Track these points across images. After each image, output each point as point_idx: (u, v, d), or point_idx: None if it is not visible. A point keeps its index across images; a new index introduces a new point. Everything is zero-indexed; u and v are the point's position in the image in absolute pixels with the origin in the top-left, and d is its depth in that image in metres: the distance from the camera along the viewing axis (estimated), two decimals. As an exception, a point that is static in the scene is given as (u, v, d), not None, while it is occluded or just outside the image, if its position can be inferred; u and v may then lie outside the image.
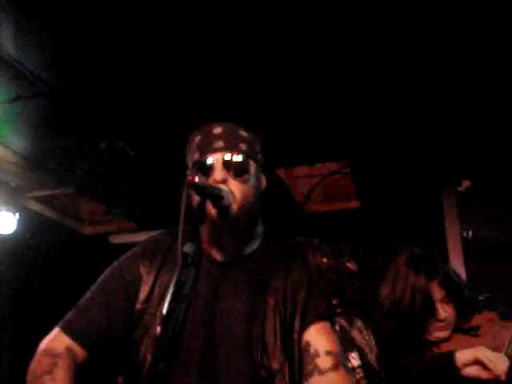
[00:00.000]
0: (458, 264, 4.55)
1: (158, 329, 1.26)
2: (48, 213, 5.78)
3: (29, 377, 1.60)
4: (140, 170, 4.77)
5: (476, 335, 2.42)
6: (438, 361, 2.30)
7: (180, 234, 1.40)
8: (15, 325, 4.82)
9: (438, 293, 2.42)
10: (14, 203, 5.07)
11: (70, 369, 1.60)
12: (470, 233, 4.82)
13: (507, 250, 4.71)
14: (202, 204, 1.54)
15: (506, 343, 2.30)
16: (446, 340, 2.44)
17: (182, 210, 1.43)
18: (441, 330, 2.44)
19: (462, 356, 2.21)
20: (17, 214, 5.07)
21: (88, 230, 6.26)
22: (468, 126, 4.11)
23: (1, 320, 4.95)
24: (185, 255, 1.38)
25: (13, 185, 5.03)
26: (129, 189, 5.26)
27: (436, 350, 2.44)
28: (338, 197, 5.61)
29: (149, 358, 1.30)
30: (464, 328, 2.47)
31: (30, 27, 3.06)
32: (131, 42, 3.16)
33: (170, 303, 1.30)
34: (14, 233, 5.08)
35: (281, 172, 5.10)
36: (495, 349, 2.28)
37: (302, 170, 5.21)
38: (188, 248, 1.40)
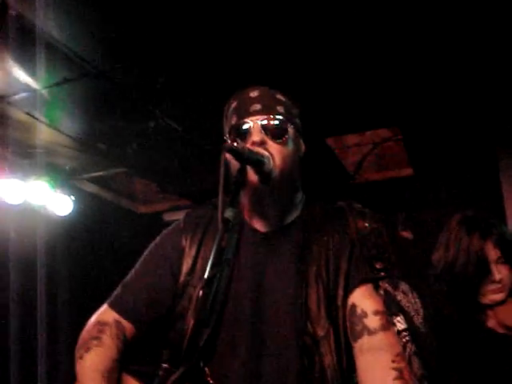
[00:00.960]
0: (517, 228, 4.40)
1: (200, 292, 1.25)
2: (103, 193, 5.91)
3: (78, 343, 1.65)
4: (190, 147, 4.79)
5: None
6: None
7: (220, 199, 1.37)
8: (73, 307, 4.97)
9: (492, 253, 2.32)
10: (69, 185, 5.19)
11: (117, 336, 1.64)
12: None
13: None
14: (242, 170, 1.50)
15: None
16: (501, 303, 2.34)
17: (221, 176, 1.39)
18: (496, 293, 2.33)
19: None
20: (72, 196, 5.20)
21: (142, 208, 6.37)
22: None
23: (60, 302, 5.10)
24: (225, 220, 1.36)
25: (67, 167, 5.15)
26: (180, 166, 5.30)
27: (491, 313, 2.37)
28: (389, 165, 5.50)
29: (191, 323, 1.29)
30: None
31: (74, 9, 3.09)
32: (173, 19, 3.15)
33: (211, 268, 1.29)
34: (70, 214, 5.21)
35: (331, 142, 5.03)
36: None
37: (351, 139, 5.12)
38: (228, 213, 1.37)
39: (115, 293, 1.74)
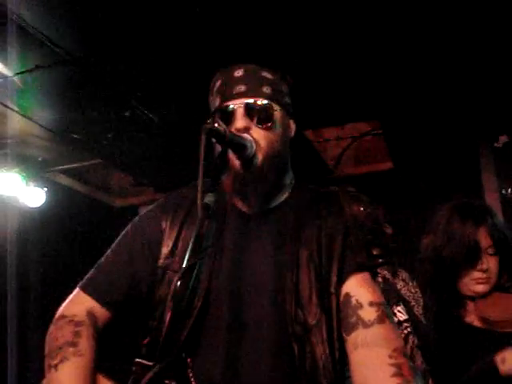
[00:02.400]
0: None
1: (178, 283, 1.16)
2: (78, 186, 5.79)
3: (49, 345, 1.52)
4: (167, 139, 4.69)
5: None
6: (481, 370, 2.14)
7: (199, 183, 1.28)
8: (45, 300, 4.83)
9: (484, 241, 2.26)
10: (42, 177, 5.06)
11: (92, 337, 1.54)
12: (510, 190, 4.64)
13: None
14: (223, 154, 1.42)
15: None
16: (483, 296, 2.28)
17: (201, 158, 1.31)
18: (480, 283, 2.26)
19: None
20: (45, 188, 5.07)
21: (118, 202, 6.25)
22: (504, 81, 3.92)
23: (31, 295, 4.98)
24: (205, 206, 1.28)
25: (39, 159, 5.01)
26: (156, 159, 5.19)
27: (470, 307, 2.31)
28: (369, 158, 5.47)
29: (168, 315, 1.21)
30: (504, 286, 2.30)
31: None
32: (149, 2, 3.05)
33: (190, 256, 1.21)
34: (43, 207, 5.09)
35: (310, 135, 4.97)
36: None
37: (331, 133, 5.07)
38: (209, 198, 1.29)
39: (88, 275, 1.64)
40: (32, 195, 4.98)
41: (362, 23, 3.27)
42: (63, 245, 5.38)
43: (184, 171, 5.23)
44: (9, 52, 3.40)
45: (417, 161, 5.13)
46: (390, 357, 1.38)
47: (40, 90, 3.89)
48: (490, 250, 2.27)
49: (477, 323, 2.28)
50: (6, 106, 4.05)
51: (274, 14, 3.17)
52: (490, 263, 2.27)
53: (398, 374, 1.35)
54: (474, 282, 2.27)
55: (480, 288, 2.27)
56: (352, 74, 3.84)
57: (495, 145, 4.73)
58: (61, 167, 5.33)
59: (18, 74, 3.67)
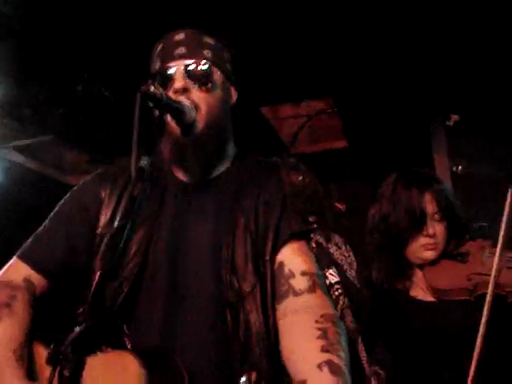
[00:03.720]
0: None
1: (107, 241, 1.15)
2: (30, 164, 5.65)
3: None
4: (122, 113, 4.60)
5: (464, 261, 2.25)
6: None
7: (134, 146, 1.28)
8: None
9: (430, 207, 2.25)
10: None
11: (28, 302, 1.53)
12: (460, 168, 4.73)
13: (497, 184, 4.63)
14: (159, 118, 1.41)
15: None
16: (432, 263, 2.28)
17: (135, 122, 1.29)
18: (428, 249, 2.27)
19: None
20: (-3, 164, 4.96)
21: (72, 179, 6.13)
22: (458, 60, 3.98)
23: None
24: (140, 169, 1.27)
25: (-11, 134, 4.89)
26: (111, 135, 5.10)
27: (417, 277, 2.32)
28: (324, 137, 5.50)
29: (97, 275, 1.20)
30: (452, 254, 2.30)
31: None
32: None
33: (121, 216, 1.19)
34: (-5, 183, 4.97)
35: (267, 113, 4.97)
36: (481, 274, 2.16)
37: (287, 111, 5.08)
38: (144, 162, 1.28)
39: (26, 244, 1.63)
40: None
41: (320, 2, 3.27)
42: (16, 224, 5.27)
43: (141, 147, 5.19)
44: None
45: (370, 139, 5.18)
46: (317, 322, 1.39)
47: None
48: (437, 216, 2.27)
49: (421, 296, 2.29)
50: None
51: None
52: (437, 228, 2.26)
53: (323, 336, 1.36)
54: (423, 249, 2.27)
55: (428, 254, 2.27)
56: (307, 51, 3.84)
57: (446, 123, 4.80)
58: (12, 144, 5.20)
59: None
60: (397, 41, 3.74)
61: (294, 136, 5.41)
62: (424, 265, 2.31)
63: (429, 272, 2.28)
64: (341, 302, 1.87)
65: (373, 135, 5.16)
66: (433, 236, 2.26)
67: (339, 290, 1.91)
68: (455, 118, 4.78)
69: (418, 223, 2.25)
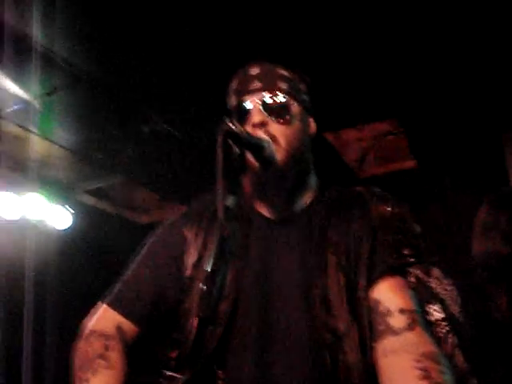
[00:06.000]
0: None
1: (204, 288, 1.12)
2: (102, 205, 5.80)
3: (79, 359, 1.49)
4: (190, 152, 4.67)
5: None
6: None
7: (218, 186, 1.26)
8: (73, 325, 4.85)
9: None
10: (67, 198, 5.09)
11: (123, 352, 1.50)
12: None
13: None
14: (240, 155, 1.36)
15: None
16: None
17: (219, 160, 1.28)
18: None
19: None
20: (71, 209, 5.09)
21: (144, 218, 6.25)
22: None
23: (61, 319, 4.98)
24: (226, 208, 1.24)
25: (64, 181, 5.05)
26: (181, 173, 5.17)
27: None
28: (392, 158, 5.40)
29: (195, 322, 1.17)
30: None
31: (59, 14, 3.01)
32: (165, 14, 3.06)
33: (214, 260, 1.17)
34: (69, 228, 5.11)
35: (330, 138, 4.93)
36: None
37: (351, 135, 5.02)
38: (229, 201, 1.26)
39: (114, 290, 1.60)
40: (58, 217, 5.00)
41: (379, 23, 3.25)
42: (92, 265, 5.38)
43: (210, 183, 5.23)
44: (27, 77, 3.44)
45: (440, 156, 5.05)
46: (418, 361, 1.31)
47: (59, 111, 3.93)
48: None
49: None
50: (27, 129, 4.09)
51: (292, 15, 3.16)
52: None
53: (426, 377, 1.28)
54: None
55: None
56: (369, 73, 3.80)
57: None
58: (85, 187, 5.36)
59: (37, 98, 3.71)
60: (463, 56, 3.66)
61: (362, 159, 5.34)
62: None
63: None
64: (450, 340, 1.76)
65: (442, 152, 5.02)
66: None
67: (447, 328, 1.79)
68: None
69: None
